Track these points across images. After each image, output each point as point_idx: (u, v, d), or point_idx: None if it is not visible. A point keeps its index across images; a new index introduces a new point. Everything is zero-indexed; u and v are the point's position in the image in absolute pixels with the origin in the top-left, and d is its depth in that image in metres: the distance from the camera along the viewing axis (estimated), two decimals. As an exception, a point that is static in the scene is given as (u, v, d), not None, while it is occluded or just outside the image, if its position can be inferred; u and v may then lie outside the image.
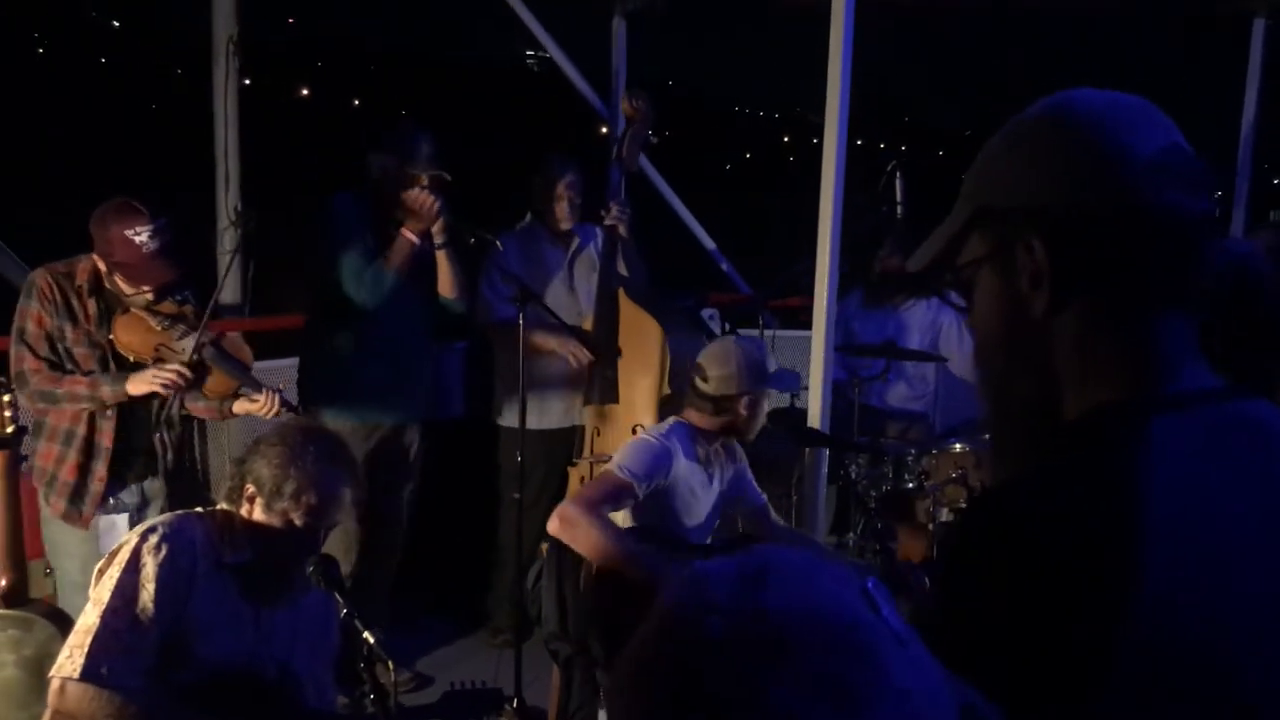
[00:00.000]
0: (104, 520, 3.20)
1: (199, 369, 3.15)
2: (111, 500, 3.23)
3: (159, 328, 3.14)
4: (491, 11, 5.74)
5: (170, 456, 3.30)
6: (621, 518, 3.19)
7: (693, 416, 3.29)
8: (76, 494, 3.16)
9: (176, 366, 3.06)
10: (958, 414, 4.90)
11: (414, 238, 3.74)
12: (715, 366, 3.24)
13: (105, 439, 3.17)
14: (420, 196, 3.71)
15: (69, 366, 3.11)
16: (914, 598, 2.96)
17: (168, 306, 3.18)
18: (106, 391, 3.07)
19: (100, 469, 3.17)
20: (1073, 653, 0.82)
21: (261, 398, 3.21)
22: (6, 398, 2.80)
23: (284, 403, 3.26)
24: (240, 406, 3.27)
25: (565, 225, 4.32)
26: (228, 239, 4.86)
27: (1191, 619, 0.84)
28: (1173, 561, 0.84)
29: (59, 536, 3.21)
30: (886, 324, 4.72)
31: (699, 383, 3.26)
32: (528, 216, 4.39)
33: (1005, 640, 0.85)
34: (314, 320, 3.96)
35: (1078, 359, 0.96)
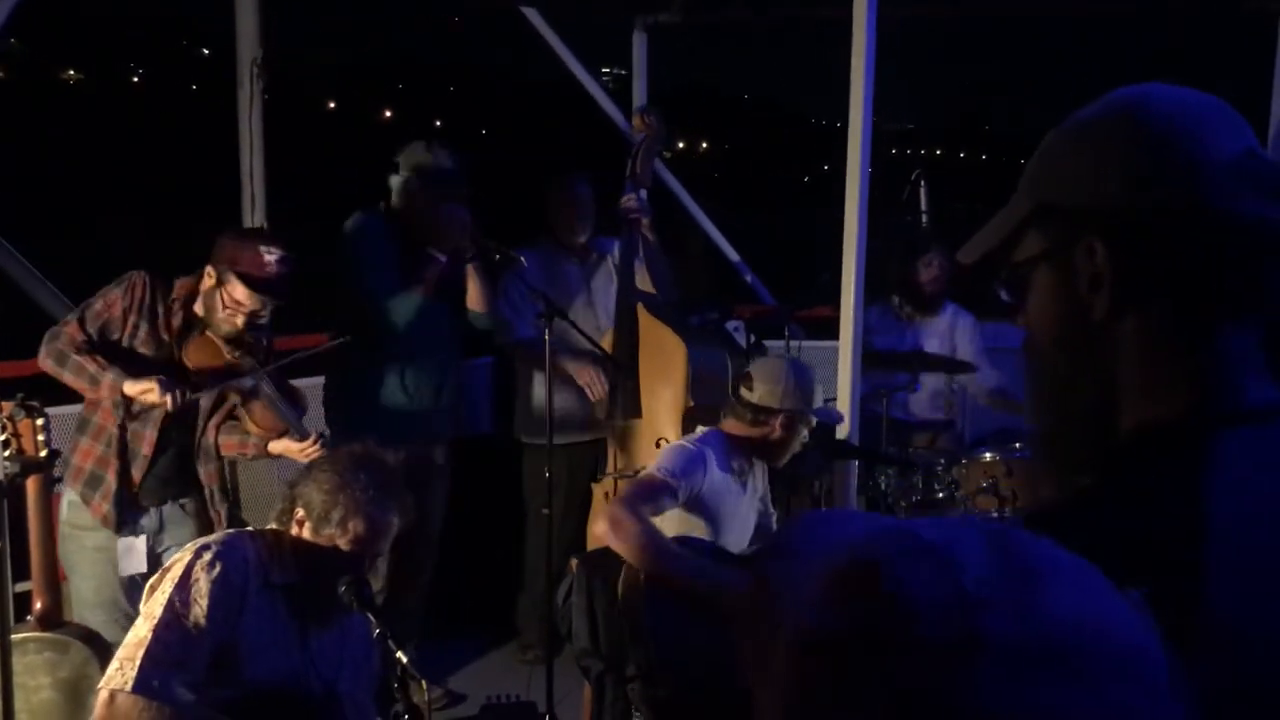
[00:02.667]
0: (122, 543, 3.22)
1: (250, 402, 3.21)
2: (131, 523, 3.26)
3: (228, 356, 3.20)
4: (516, 29, 5.75)
5: (216, 489, 3.34)
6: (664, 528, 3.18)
7: (729, 425, 3.30)
8: (119, 497, 3.19)
9: (179, 388, 3.09)
10: (986, 423, 4.88)
11: (440, 257, 3.75)
12: (763, 379, 3.25)
13: (140, 444, 3.21)
14: (444, 214, 3.72)
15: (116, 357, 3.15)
16: None
17: (245, 338, 3.24)
18: (108, 379, 3.08)
19: (135, 475, 3.21)
20: None
21: (306, 442, 3.25)
22: (40, 421, 2.82)
23: (325, 448, 3.27)
24: (278, 446, 3.31)
25: (580, 238, 4.33)
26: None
27: (1259, 637, 0.82)
28: (1238, 582, 0.82)
29: (76, 556, 3.23)
30: (905, 335, 4.71)
31: (744, 390, 3.27)
32: (543, 235, 4.40)
33: None
34: (339, 340, 3.97)
35: (1137, 367, 0.93)
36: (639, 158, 4.09)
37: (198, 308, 3.22)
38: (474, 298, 3.94)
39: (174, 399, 3.08)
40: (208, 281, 3.19)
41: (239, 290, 3.14)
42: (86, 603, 3.19)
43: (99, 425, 3.20)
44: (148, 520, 3.29)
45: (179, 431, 3.27)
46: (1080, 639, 0.52)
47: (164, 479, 3.29)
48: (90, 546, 3.21)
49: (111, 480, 3.18)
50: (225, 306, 3.16)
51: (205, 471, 3.33)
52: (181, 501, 3.34)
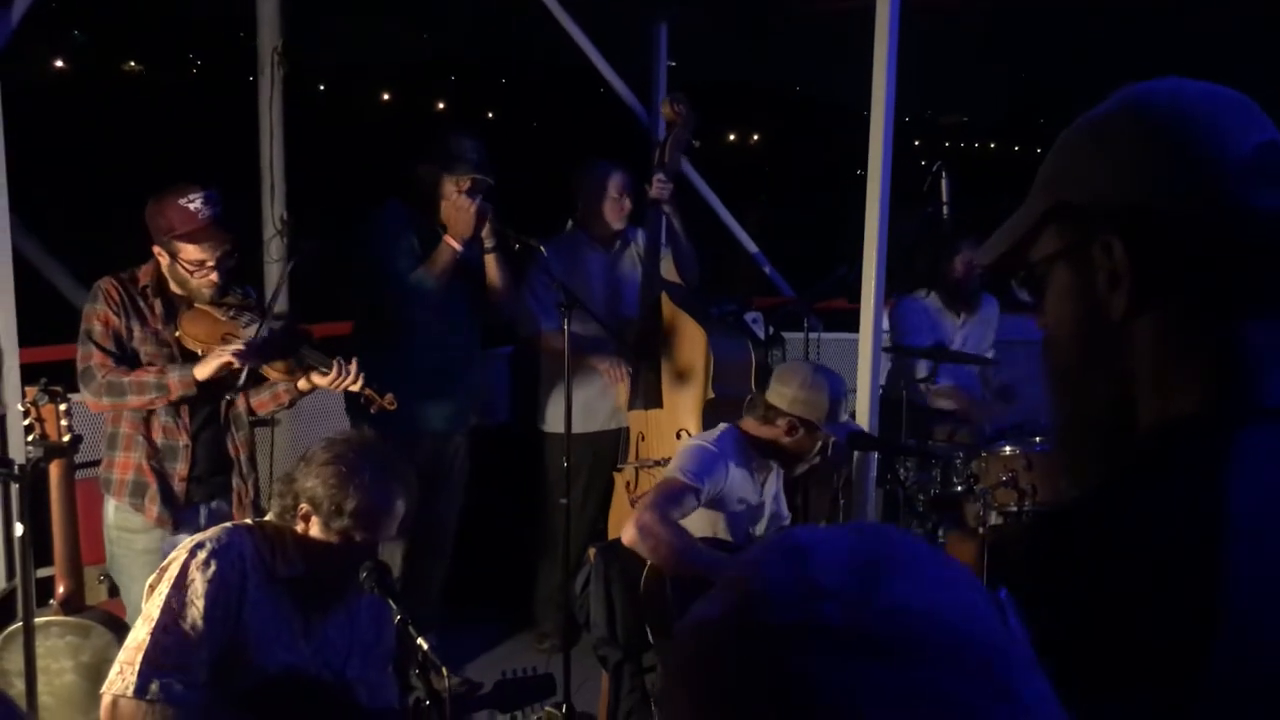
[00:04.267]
0: (168, 543, 3.18)
1: (267, 349, 3.17)
2: (183, 522, 3.24)
3: (224, 318, 3.19)
4: (535, 17, 5.73)
5: (244, 458, 3.33)
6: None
7: (746, 422, 3.30)
8: (165, 497, 3.19)
9: (240, 343, 3.09)
10: (1007, 416, 4.84)
11: (456, 245, 3.75)
12: (780, 379, 3.26)
13: (176, 437, 3.20)
14: (461, 202, 3.72)
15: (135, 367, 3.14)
16: None
17: (231, 299, 3.24)
18: (174, 379, 3.09)
19: (181, 468, 3.21)
20: (1153, 676, 0.79)
21: (331, 370, 3.22)
22: (63, 406, 2.84)
23: (350, 372, 3.24)
24: (306, 384, 3.28)
25: (617, 226, 4.31)
26: (274, 248, 4.91)
27: (1277, 632, 0.81)
28: (1257, 579, 0.81)
29: (125, 559, 3.23)
30: (948, 331, 4.69)
31: (768, 388, 3.28)
32: (569, 223, 4.40)
33: (1086, 659, 0.82)
34: (361, 327, 3.98)
35: (1156, 365, 0.92)
36: (667, 146, 4.07)
37: (173, 288, 3.20)
38: (494, 287, 3.95)
39: (246, 356, 3.08)
40: (163, 261, 3.18)
41: (190, 250, 3.12)
42: (138, 607, 3.20)
43: (126, 435, 3.18)
44: (196, 518, 3.28)
45: (208, 412, 3.27)
46: (909, 627, 0.56)
47: (207, 470, 3.28)
48: (140, 549, 3.20)
49: (153, 483, 3.17)
50: (191, 271, 3.15)
51: (236, 441, 3.32)
52: (218, 502, 3.33)
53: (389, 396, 3.32)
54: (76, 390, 3.08)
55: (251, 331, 3.14)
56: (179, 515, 3.22)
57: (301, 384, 3.28)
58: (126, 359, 3.13)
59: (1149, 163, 0.90)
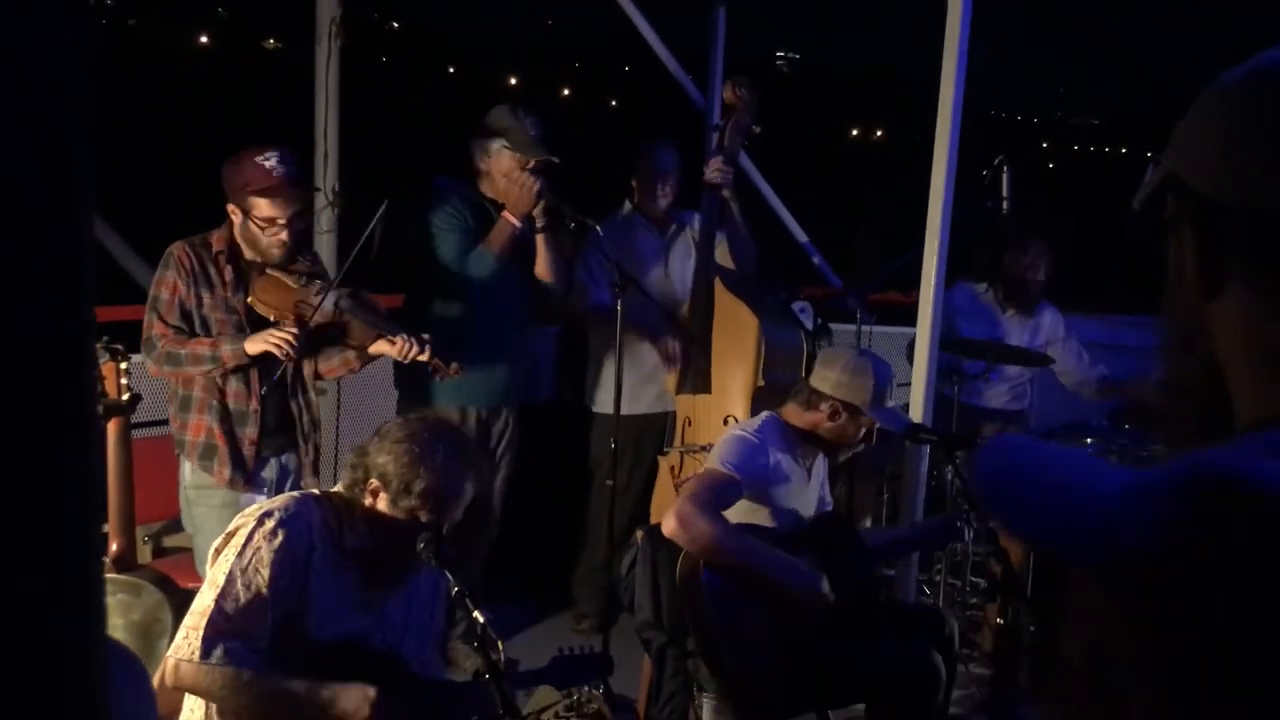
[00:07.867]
0: (244, 498, 3.23)
1: (339, 322, 3.22)
2: (253, 480, 3.28)
3: (296, 285, 3.20)
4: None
5: (307, 420, 3.37)
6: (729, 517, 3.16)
7: (788, 410, 3.26)
8: (236, 460, 3.24)
9: (291, 330, 3.12)
10: (1056, 415, 4.79)
11: (516, 222, 3.73)
12: (824, 363, 3.24)
13: (246, 402, 3.24)
14: (523, 180, 3.70)
15: (201, 334, 3.18)
16: None
17: (301, 265, 3.26)
18: (227, 351, 3.13)
19: (250, 432, 3.25)
20: (1233, 678, 0.74)
21: (399, 340, 3.25)
22: (123, 365, 2.85)
23: (421, 344, 3.28)
24: (376, 348, 3.32)
25: (662, 203, 4.31)
26: (325, 219, 4.91)
27: None
28: None
29: (203, 517, 3.27)
30: (998, 327, 4.62)
31: (812, 373, 3.25)
32: (625, 204, 4.37)
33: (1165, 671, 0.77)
34: (412, 301, 3.97)
35: (1241, 355, 0.85)
36: (727, 131, 4.04)
37: (245, 252, 3.22)
38: (542, 267, 3.93)
39: (290, 351, 3.11)
40: (236, 220, 3.20)
41: (263, 206, 3.15)
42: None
43: (200, 399, 3.22)
44: (268, 473, 3.33)
45: (276, 376, 3.28)
46: None
47: (273, 429, 3.32)
48: (217, 504, 3.25)
49: (223, 446, 3.22)
50: (263, 229, 3.16)
51: (301, 403, 3.36)
52: (287, 455, 3.38)
53: (454, 365, 3.35)
54: (137, 350, 3.12)
55: (320, 301, 3.16)
56: (249, 475, 3.26)
57: (372, 349, 3.30)
58: (190, 330, 3.17)
59: (1232, 149, 0.82)
